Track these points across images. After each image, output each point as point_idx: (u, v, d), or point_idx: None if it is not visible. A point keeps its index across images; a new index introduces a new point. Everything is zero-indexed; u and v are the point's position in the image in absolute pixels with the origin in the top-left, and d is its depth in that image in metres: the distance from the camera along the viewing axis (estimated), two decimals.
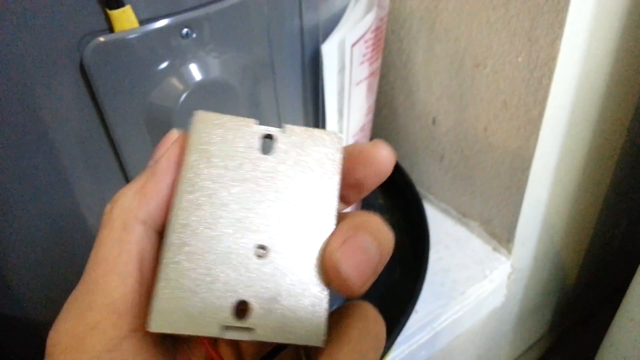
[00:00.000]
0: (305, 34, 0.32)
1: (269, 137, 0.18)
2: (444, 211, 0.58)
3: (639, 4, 0.44)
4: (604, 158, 0.57)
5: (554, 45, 0.39)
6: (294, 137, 0.18)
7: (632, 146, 0.59)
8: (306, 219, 0.18)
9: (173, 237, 0.17)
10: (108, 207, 0.18)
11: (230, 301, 0.16)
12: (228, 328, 0.16)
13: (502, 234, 0.52)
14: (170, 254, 0.16)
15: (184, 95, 0.28)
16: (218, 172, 0.17)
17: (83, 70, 0.26)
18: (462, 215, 0.56)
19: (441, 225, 0.56)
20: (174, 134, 0.19)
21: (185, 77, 0.28)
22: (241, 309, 0.17)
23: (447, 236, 0.55)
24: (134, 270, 0.17)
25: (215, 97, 0.29)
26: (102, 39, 0.25)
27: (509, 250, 0.52)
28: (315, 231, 0.17)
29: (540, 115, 0.42)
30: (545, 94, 0.41)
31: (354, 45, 0.33)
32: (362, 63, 0.35)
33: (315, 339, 0.17)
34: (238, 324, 0.16)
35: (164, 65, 0.27)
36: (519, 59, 0.42)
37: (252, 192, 0.17)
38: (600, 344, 0.59)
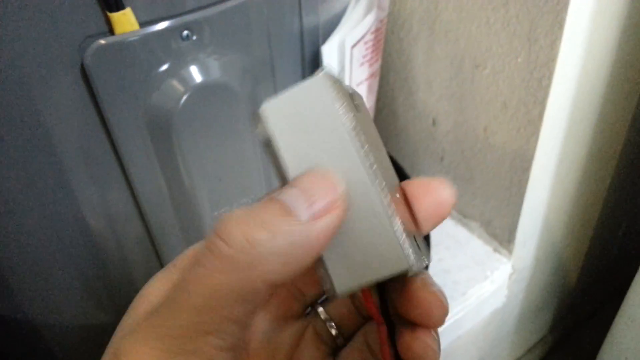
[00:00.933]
0: (305, 36, 0.32)
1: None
2: None
3: (639, 5, 0.44)
4: (604, 158, 0.57)
5: (554, 46, 0.39)
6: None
7: (632, 146, 0.59)
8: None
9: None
10: None
11: (399, 239, 0.16)
12: (411, 268, 0.16)
13: (502, 235, 0.52)
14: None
15: (184, 97, 0.28)
16: (357, 120, 0.17)
17: (84, 72, 0.26)
18: (463, 216, 0.56)
19: (441, 226, 0.56)
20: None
21: (185, 79, 0.28)
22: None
23: (448, 237, 0.55)
24: None
25: (215, 98, 0.29)
26: (102, 41, 0.25)
27: (510, 251, 0.52)
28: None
29: (540, 115, 0.42)
30: (545, 95, 0.41)
31: (353, 46, 0.33)
32: (362, 64, 0.35)
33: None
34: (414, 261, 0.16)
35: (164, 67, 0.27)
36: (519, 60, 0.42)
37: (366, 140, 0.17)
38: (602, 344, 0.59)
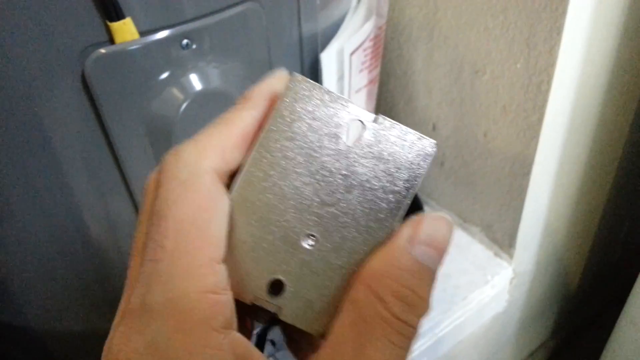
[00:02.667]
0: (304, 43, 0.32)
1: (360, 121, 0.17)
2: None
3: (637, 10, 0.44)
4: (604, 162, 0.57)
5: (553, 51, 0.39)
6: (384, 132, 0.17)
7: (632, 150, 0.59)
8: (364, 227, 0.17)
9: (237, 198, 0.17)
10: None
11: (268, 278, 0.17)
12: (258, 299, 0.17)
13: (503, 239, 0.52)
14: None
15: (184, 105, 0.28)
16: (295, 147, 0.17)
17: (84, 81, 0.26)
18: (463, 220, 0.56)
19: None
20: (279, 74, 0.18)
21: (185, 87, 0.28)
22: (277, 286, 0.17)
23: None
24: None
25: (215, 106, 0.30)
26: (103, 50, 0.25)
27: (511, 256, 0.52)
28: (365, 244, 0.17)
29: (540, 120, 0.43)
30: (544, 100, 0.41)
31: (352, 53, 0.33)
32: (361, 71, 0.35)
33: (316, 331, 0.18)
34: (267, 298, 0.17)
35: (164, 75, 0.27)
36: (518, 65, 0.42)
37: (324, 179, 0.17)
38: (603, 349, 0.59)
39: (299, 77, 0.17)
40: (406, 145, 0.17)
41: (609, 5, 0.41)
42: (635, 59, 0.48)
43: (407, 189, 0.17)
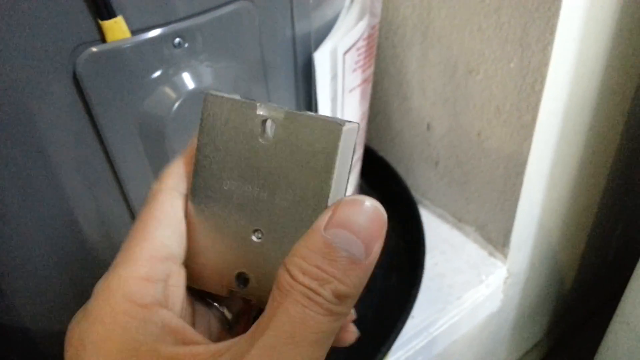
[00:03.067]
0: (297, 42, 0.32)
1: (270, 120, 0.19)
2: (440, 216, 0.58)
3: (630, 10, 0.44)
4: (598, 162, 0.57)
5: (546, 51, 0.39)
6: (294, 124, 0.18)
7: (626, 150, 0.59)
8: (298, 216, 0.18)
9: (192, 208, 0.19)
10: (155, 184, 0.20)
11: (234, 272, 0.20)
12: (232, 292, 0.20)
13: (497, 239, 0.52)
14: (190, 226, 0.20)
15: (176, 104, 0.28)
16: (222, 156, 0.19)
17: (76, 80, 0.26)
18: (458, 220, 0.56)
19: (437, 231, 0.56)
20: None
21: (177, 86, 0.28)
22: (243, 278, 0.20)
23: (443, 241, 0.55)
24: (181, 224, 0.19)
25: None
26: (94, 49, 0.25)
27: (505, 255, 0.52)
28: (303, 223, 0.18)
29: (533, 120, 0.43)
30: (537, 99, 0.42)
31: (346, 53, 0.33)
32: (354, 70, 0.35)
33: None
34: (238, 289, 0.20)
35: (156, 74, 0.27)
36: (511, 65, 0.42)
37: (253, 178, 0.19)
38: (597, 349, 0.59)
39: (211, 93, 0.19)
40: (316, 131, 0.18)
41: (602, 5, 0.41)
42: (628, 59, 0.48)
43: (327, 171, 0.18)
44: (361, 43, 0.34)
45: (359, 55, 0.35)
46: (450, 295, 0.49)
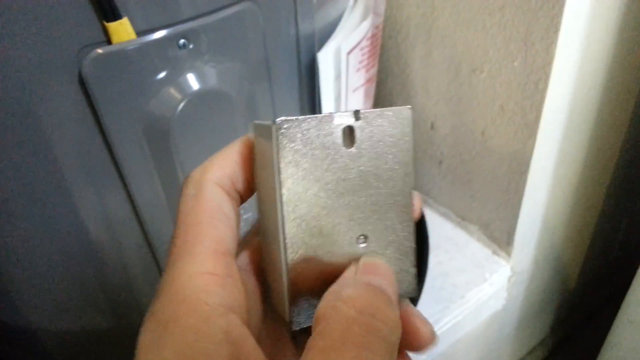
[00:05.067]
0: (301, 42, 0.32)
1: (348, 126, 0.19)
2: (443, 215, 0.58)
3: (634, 8, 0.44)
4: (602, 160, 0.57)
5: (550, 49, 0.39)
6: (368, 123, 0.19)
7: (630, 148, 0.59)
8: (392, 206, 0.19)
9: (286, 238, 0.18)
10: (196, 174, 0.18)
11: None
12: None
13: (501, 237, 0.52)
14: (288, 255, 0.18)
15: (181, 105, 0.28)
16: (312, 179, 0.18)
17: (82, 81, 0.26)
18: (462, 219, 0.56)
19: (440, 229, 0.56)
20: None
21: (182, 87, 0.28)
22: None
23: (447, 240, 0.55)
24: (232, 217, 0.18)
25: (212, 106, 0.30)
26: (100, 50, 0.25)
27: (509, 254, 0.52)
28: (398, 216, 0.19)
29: (537, 118, 0.43)
30: (541, 98, 0.42)
31: (349, 52, 0.33)
32: (358, 70, 0.35)
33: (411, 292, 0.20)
34: None
35: (161, 75, 0.27)
36: (515, 64, 0.42)
37: (344, 187, 0.19)
38: (602, 346, 0.59)
39: (281, 121, 0.18)
40: (387, 122, 0.19)
41: (606, 3, 0.41)
42: (632, 57, 0.48)
43: (407, 154, 0.19)
44: (365, 43, 0.34)
45: (362, 54, 0.35)
46: (454, 294, 0.49)
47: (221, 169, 0.19)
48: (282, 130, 0.18)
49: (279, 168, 0.18)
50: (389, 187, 0.19)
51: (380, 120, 0.19)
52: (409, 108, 0.19)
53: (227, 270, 0.17)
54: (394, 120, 0.19)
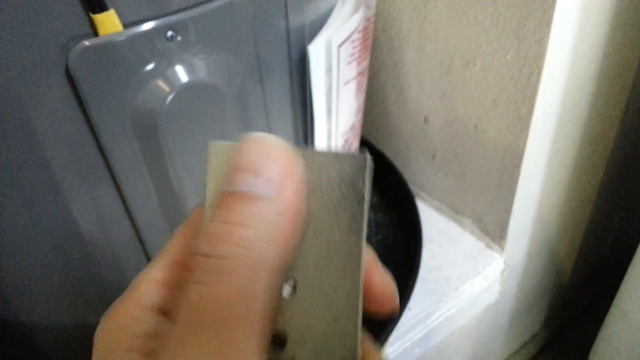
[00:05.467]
0: (291, 35, 0.32)
1: None
2: (437, 209, 0.58)
3: (627, 1, 0.44)
4: (595, 154, 0.57)
5: (542, 42, 0.39)
6: (316, 165, 0.16)
7: (623, 142, 0.59)
8: (333, 255, 0.17)
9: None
10: None
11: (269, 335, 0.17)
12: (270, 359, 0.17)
13: (494, 231, 0.52)
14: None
15: (169, 97, 0.28)
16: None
17: (69, 74, 0.26)
18: (455, 212, 0.56)
19: (434, 223, 0.56)
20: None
21: (171, 80, 0.28)
22: (281, 340, 0.17)
23: (440, 233, 0.55)
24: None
25: (201, 99, 0.29)
26: (86, 43, 0.25)
27: (502, 247, 0.52)
28: (343, 268, 0.17)
29: (530, 112, 0.43)
30: (534, 91, 0.41)
31: (340, 45, 0.33)
32: (349, 63, 0.35)
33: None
34: (277, 353, 0.17)
35: (149, 67, 0.27)
36: (508, 57, 0.42)
37: None
38: (595, 340, 0.59)
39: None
40: (342, 166, 0.16)
41: None
42: (625, 51, 0.48)
43: (359, 203, 0.16)
44: (356, 35, 0.34)
45: (354, 47, 0.34)
46: (447, 287, 0.49)
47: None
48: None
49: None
50: (328, 234, 0.17)
51: (330, 164, 0.16)
52: (366, 158, 0.16)
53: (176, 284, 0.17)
54: (346, 167, 0.16)
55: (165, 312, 0.17)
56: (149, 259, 0.35)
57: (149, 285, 0.17)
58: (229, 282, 0.14)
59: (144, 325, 0.16)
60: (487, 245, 0.53)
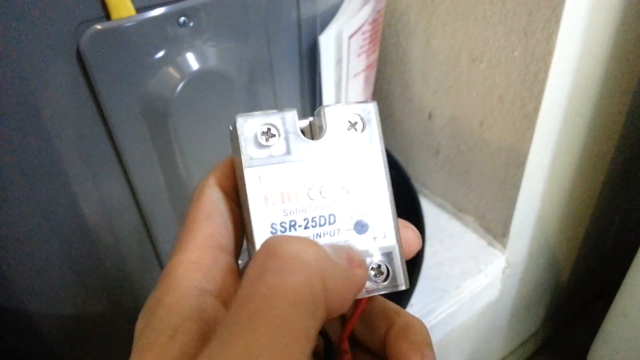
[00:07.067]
0: (302, 25, 0.32)
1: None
2: (439, 206, 0.58)
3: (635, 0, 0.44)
4: (599, 153, 0.57)
5: (550, 39, 0.39)
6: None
7: (627, 142, 0.59)
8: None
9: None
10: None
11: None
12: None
13: (497, 229, 0.52)
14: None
15: (180, 85, 0.28)
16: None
17: (80, 58, 0.25)
18: (458, 209, 0.56)
19: (436, 220, 0.56)
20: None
21: (181, 66, 0.28)
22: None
23: (442, 231, 0.55)
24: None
25: (212, 87, 0.29)
26: (98, 26, 0.25)
27: (504, 245, 0.52)
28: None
29: (536, 110, 0.43)
30: (541, 89, 0.41)
31: (351, 36, 0.33)
32: (359, 55, 0.35)
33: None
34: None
35: (160, 54, 0.27)
36: (515, 54, 0.42)
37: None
38: (594, 339, 0.59)
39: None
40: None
41: None
42: (632, 49, 0.48)
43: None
44: (366, 27, 0.34)
45: (364, 39, 0.34)
46: (448, 284, 0.49)
47: (222, 172, 0.20)
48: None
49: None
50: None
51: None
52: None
53: (214, 261, 0.18)
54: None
55: (207, 292, 0.17)
56: (155, 248, 0.35)
57: (186, 266, 0.18)
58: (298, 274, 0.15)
59: (187, 307, 0.16)
60: (489, 243, 0.53)
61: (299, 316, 0.14)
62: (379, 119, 0.20)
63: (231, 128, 0.19)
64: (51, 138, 0.27)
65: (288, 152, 0.18)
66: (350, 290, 0.17)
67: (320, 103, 0.35)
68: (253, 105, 0.32)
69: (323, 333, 0.20)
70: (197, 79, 0.28)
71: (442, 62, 0.49)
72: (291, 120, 0.18)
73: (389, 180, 0.20)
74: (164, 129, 0.29)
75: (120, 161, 0.30)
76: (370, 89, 0.41)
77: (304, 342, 0.14)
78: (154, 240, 0.34)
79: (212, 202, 0.19)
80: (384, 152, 0.20)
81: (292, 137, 0.18)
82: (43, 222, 0.31)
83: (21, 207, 0.29)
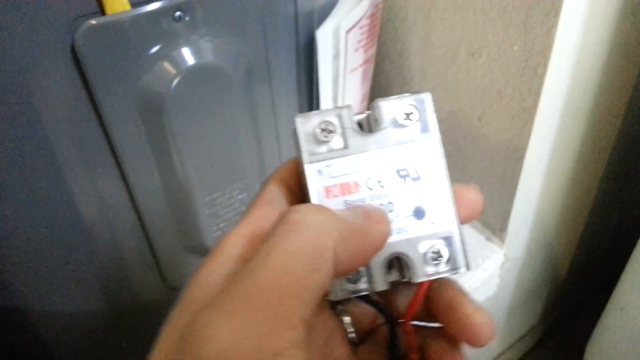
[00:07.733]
0: (299, 20, 0.31)
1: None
2: None
3: None
4: (597, 148, 0.57)
5: (550, 34, 0.39)
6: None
7: (626, 137, 0.59)
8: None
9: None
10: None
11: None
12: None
13: (495, 224, 0.52)
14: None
15: (176, 80, 0.27)
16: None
17: (75, 53, 0.25)
18: None
19: None
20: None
21: (177, 61, 0.27)
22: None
23: None
24: None
25: (208, 82, 0.29)
26: (93, 21, 0.24)
27: (502, 240, 0.52)
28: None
29: (535, 104, 0.42)
30: (540, 83, 0.41)
31: (348, 31, 0.32)
32: (357, 50, 0.34)
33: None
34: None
35: (155, 48, 0.27)
36: (514, 48, 0.42)
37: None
38: (592, 334, 0.59)
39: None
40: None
41: None
42: (632, 43, 0.48)
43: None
44: (364, 22, 0.34)
45: (362, 34, 0.34)
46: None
47: (287, 169, 0.21)
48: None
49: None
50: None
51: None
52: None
53: (261, 237, 0.19)
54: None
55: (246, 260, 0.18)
56: (151, 246, 0.35)
57: (235, 239, 0.19)
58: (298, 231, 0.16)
59: (226, 270, 0.18)
60: (488, 238, 0.53)
61: (297, 266, 0.15)
62: (433, 108, 0.20)
63: (292, 128, 0.20)
64: (47, 134, 0.27)
65: (346, 146, 0.19)
66: (369, 244, 0.18)
67: (317, 98, 0.34)
68: (249, 101, 0.31)
69: (387, 314, 0.21)
70: (193, 74, 0.28)
71: (440, 57, 0.49)
72: (347, 115, 0.19)
73: (446, 166, 0.20)
74: (160, 124, 0.29)
75: (116, 157, 0.30)
76: (368, 83, 0.41)
77: (301, 291, 0.15)
78: (150, 237, 0.34)
79: (271, 192, 0.20)
80: (441, 139, 0.20)
81: (349, 132, 0.19)
82: (40, 220, 0.30)
83: (18, 205, 0.29)
